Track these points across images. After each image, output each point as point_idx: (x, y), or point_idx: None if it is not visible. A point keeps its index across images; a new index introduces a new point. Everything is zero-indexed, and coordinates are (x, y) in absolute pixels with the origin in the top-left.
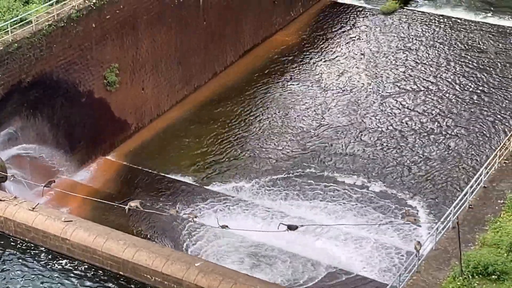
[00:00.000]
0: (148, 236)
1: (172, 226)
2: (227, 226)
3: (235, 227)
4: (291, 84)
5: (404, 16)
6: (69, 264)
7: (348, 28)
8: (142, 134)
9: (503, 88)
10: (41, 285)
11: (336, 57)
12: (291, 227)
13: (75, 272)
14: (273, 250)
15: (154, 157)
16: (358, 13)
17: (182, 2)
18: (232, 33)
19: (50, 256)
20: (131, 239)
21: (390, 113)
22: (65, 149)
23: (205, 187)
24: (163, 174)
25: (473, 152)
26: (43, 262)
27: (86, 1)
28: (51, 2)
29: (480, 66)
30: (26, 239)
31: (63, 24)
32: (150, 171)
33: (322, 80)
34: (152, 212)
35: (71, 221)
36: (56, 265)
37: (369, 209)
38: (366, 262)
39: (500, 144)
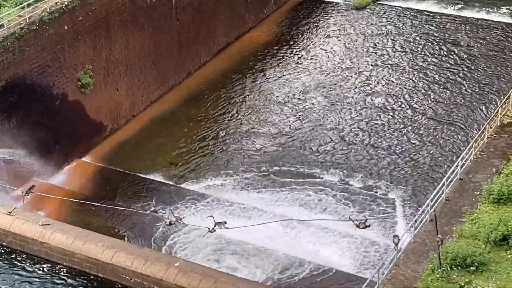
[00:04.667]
0: (127, 237)
1: (150, 226)
2: (225, 223)
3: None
4: (265, 82)
5: (376, 11)
6: (48, 268)
7: (321, 23)
8: (118, 135)
9: (476, 79)
10: None
11: (310, 53)
12: (219, 223)
13: (54, 275)
14: (252, 247)
15: (130, 158)
16: (331, 8)
17: (154, 3)
18: (205, 32)
19: (28, 260)
20: (110, 241)
21: (366, 107)
22: (41, 153)
23: (181, 186)
24: (139, 175)
25: (448, 144)
26: (21, 267)
27: (58, 3)
28: (22, 5)
29: (453, 58)
30: (4, 244)
31: (35, 27)
32: (126, 172)
33: (297, 76)
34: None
35: (49, 224)
36: (35, 269)
37: (347, 204)
38: (345, 257)
39: (475, 135)
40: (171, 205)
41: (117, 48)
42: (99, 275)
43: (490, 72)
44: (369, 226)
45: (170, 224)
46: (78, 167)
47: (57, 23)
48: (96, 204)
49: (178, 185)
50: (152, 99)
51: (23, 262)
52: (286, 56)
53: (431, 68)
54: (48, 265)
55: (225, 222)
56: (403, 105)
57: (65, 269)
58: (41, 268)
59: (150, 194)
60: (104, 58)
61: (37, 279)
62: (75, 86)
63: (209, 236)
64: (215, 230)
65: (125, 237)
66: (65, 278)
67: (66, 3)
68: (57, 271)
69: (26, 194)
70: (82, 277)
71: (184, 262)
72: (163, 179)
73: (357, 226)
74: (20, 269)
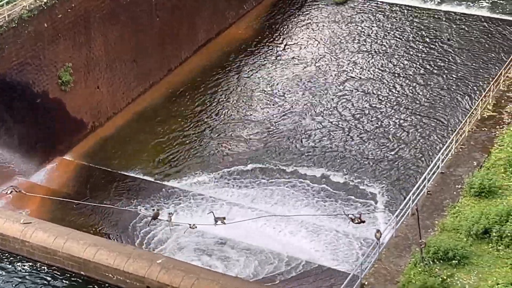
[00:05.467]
0: (109, 235)
1: (132, 223)
2: (224, 218)
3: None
4: (247, 77)
5: (357, 5)
6: (30, 267)
7: (302, 18)
8: (99, 132)
9: (456, 73)
10: None
11: (291, 48)
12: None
13: (36, 274)
14: (234, 243)
15: (111, 155)
16: (311, 3)
17: (134, 0)
18: (186, 29)
19: (10, 259)
20: (92, 239)
21: (347, 102)
22: (22, 151)
23: (164, 183)
24: (121, 172)
25: (429, 138)
26: (3, 265)
27: (37, 0)
28: (1, 3)
29: (433, 52)
30: None
31: (14, 25)
32: (108, 169)
33: (278, 71)
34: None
35: (30, 223)
36: (17, 267)
37: (328, 199)
38: (328, 252)
39: (456, 129)
40: (153, 202)
41: (97, 45)
42: (82, 273)
43: (470, 66)
44: (364, 222)
45: (155, 218)
46: (60, 165)
47: (36, 20)
48: (77, 202)
49: (160, 182)
50: (133, 96)
51: (5, 261)
52: (267, 51)
53: (412, 63)
54: (30, 263)
55: (224, 218)
56: (383, 100)
57: (47, 268)
58: (22, 267)
59: (132, 192)
60: (84, 56)
61: (18, 278)
62: (55, 84)
63: (191, 233)
64: (196, 227)
65: (108, 235)
66: (47, 276)
67: (45, 0)
68: (39, 270)
69: (9, 193)
70: (64, 276)
71: (167, 259)
72: (145, 176)
73: (352, 221)
74: (1, 269)
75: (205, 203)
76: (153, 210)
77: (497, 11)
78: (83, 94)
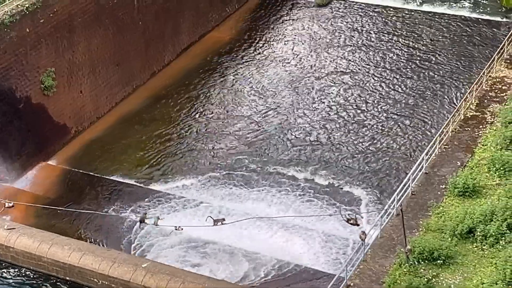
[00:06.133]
0: (93, 239)
1: (117, 227)
2: (223, 219)
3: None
4: (230, 80)
5: (339, 7)
6: (14, 272)
7: (284, 21)
8: (83, 137)
9: (439, 73)
10: None
11: (274, 50)
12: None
13: (21, 280)
14: (220, 246)
15: (95, 159)
16: (294, 6)
17: (116, 3)
18: (168, 32)
19: None
20: (76, 244)
21: (331, 104)
22: (4, 157)
23: (148, 187)
24: (105, 177)
25: (413, 139)
26: None
27: (19, 6)
28: None
29: (416, 52)
30: None
31: None
32: (92, 174)
33: (261, 73)
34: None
35: (14, 228)
36: (1, 274)
37: (313, 201)
38: (313, 253)
39: (440, 129)
40: (138, 206)
41: (80, 49)
42: (67, 278)
43: (453, 66)
44: (358, 225)
45: (142, 221)
46: (43, 170)
47: (18, 26)
48: (61, 208)
49: (145, 186)
50: (116, 100)
51: None
52: (250, 53)
53: (394, 63)
54: (15, 269)
55: (224, 219)
56: (367, 101)
57: (32, 273)
58: (7, 273)
59: (117, 196)
60: (67, 60)
61: (3, 285)
62: (38, 88)
63: (176, 236)
64: (182, 229)
65: (92, 240)
66: (32, 282)
67: (27, 5)
68: (24, 276)
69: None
70: (49, 281)
71: (152, 263)
72: (129, 180)
73: (347, 221)
74: None
75: (190, 206)
76: (140, 213)
77: (478, 11)
78: (66, 99)
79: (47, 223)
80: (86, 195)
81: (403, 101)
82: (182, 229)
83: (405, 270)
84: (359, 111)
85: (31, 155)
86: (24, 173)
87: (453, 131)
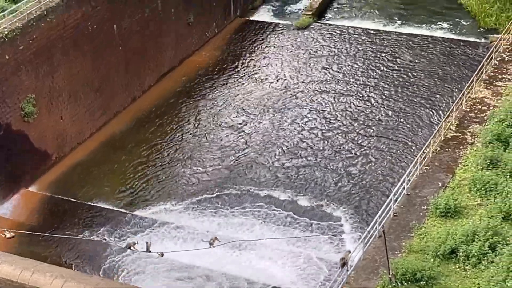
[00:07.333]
0: (76, 266)
1: (99, 254)
2: (215, 238)
3: (164, 250)
4: (211, 104)
5: (318, 30)
6: None
7: (264, 44)
8: (64, 163)
9: (419, 95)
10: None
11: (254, 73)
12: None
13: None
14: (204, 270)
15: (77, 185)
16: (273, 29)
17: (96, 29)
18: (148, 57)
19: None
20: (59, 271)
21: (311, 126)
22: None
23: (130, 212)
24: (87, 203)
25: (393, 160)
26: None
27: None
28: None
29: (395, 73)
30: None
31: None
32: (73, 200)
33: (242, 96)
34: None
35: None
36: None
37: (296, 222)
38: (296, 276)
39: (420, 151)
40: (120, 232)
41: (60, 75)
42: None
43: (432, 87)
44: (346, 264)
45: (129, 248)
46: (24, 197)
47: None
48: (43, 234)
49: (127, 212)
50: (97, 126)
51: None
52: (231, 77)
53: (374, 84)
54: None
55: (216, 238)
56: (348, 122)
57: None
58: None
59: (98, 222)
60: (47, 86)
61: None
62: (18, 115)
63: (160, 261)
64: (163, 255)
65: (74, 266)
66: None
67: (6, 32)
68: None
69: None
70: None
71: None
72: (111, 206)
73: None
74: None
75: (172, 231)
76: (123, 239)
77: (457, 32)
78: (47, 125)
79: (29, 250)
80: (67, 221)
81: (384, 122)
82: (163, 254)
83: None
84: (339, 131)
85: (12, 182)
86: (5, 200)
87: (434, 151)
